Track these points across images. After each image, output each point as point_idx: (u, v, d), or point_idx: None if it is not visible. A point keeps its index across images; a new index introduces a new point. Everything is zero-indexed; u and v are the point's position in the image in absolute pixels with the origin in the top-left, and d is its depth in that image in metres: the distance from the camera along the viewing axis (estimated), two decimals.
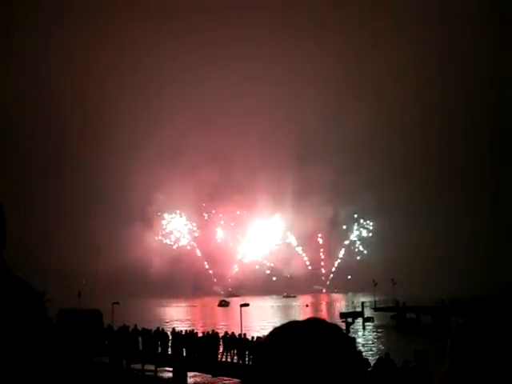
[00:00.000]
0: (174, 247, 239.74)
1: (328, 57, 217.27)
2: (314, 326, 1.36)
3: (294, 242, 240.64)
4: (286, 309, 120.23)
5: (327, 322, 1.38)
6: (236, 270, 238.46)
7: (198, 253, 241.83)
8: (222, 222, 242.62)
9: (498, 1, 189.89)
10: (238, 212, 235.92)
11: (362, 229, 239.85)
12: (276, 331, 1.39)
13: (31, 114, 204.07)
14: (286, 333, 1.36)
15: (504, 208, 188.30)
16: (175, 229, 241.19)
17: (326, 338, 1.34)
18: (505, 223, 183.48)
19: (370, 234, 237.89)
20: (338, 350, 1.32)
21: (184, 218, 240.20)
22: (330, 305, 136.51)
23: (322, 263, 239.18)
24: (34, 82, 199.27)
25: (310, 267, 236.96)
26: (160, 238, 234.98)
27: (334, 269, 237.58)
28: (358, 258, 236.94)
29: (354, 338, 1.44)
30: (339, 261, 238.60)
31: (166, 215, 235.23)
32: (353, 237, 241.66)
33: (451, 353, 1.55)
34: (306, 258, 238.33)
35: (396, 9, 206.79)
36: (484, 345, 1.47)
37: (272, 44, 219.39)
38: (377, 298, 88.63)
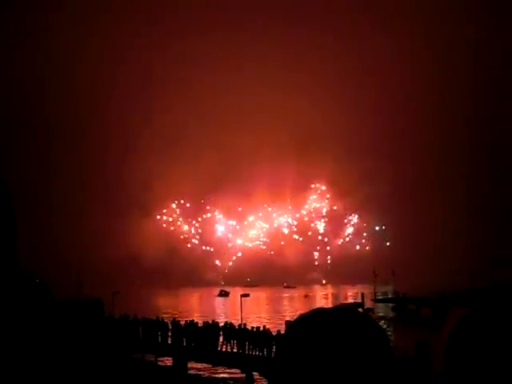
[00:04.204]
0: (173, 236, 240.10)
1: (329, 49, 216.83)
2: (344, 315, 1.26)
3: (293, 233, 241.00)
4: (287, 299, 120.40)
5: (357, 311, 1.29)
6: (234, 259, 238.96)
7: (197, 242, 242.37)
8: (220, 214, 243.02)
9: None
10: (236, 202, 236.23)
11: (361, 220, 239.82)
12: (303, 319, 1.28)
13: (31, 110, 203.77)
14: (314, 321, 1.26)
15: (504, 205, 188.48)
16: (174, 217, 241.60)
17: (357, 327, 1.24)
18: (506, 219, 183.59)
19: (369, 226, 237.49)
20: (370, 339, 1.23)
21: (182, 206, 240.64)
22: (329, 295, 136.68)
23: (321, 254, 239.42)
24: (31, 77, 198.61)
25: (309, 258, 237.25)
26: (158, 226, 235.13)
27: (332, 259, 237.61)
28: (357, 248, 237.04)
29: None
30: (338, 251, 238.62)
31: (164, 203, 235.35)
32: (351, 228, 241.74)
33: (446, 353, 1.52)
34: (310, 251, 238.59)
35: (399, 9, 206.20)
36: (480, 347, 1.45)
37: (272, 35, 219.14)
38: (376, 289, 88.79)
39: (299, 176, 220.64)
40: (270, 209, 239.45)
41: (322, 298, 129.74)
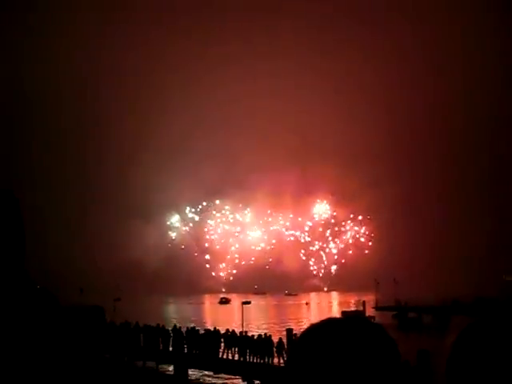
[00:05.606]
0: (173, 244, 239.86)
1: (330, 57, 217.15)
2: (356, 325, 1.26)
3: (294, 240, 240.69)
4: (287, 307, 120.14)
5: (370, 321, 1.30)
6: (236, 267, 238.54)
7: (198, 249, 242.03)
8: (221, 218, 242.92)
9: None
10: (238, 209, 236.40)
11: (361, 227, 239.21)
12: (314, 329, 1.27)
13: (31, 113, 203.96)
14: (325, 331, 1.25)
15: (506, 209, 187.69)
16: (173, 225, 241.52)
17: (369, 337, 1.24)
18: (508, 223, 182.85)
19: (370, 233, 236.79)
20: (381, 350, 1.23)
21: (182, 214, 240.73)
22: (331, 303, 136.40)
23: (323, 262, 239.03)
24: (33, 84, 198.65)
25: (310, 265, 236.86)
26: (158, 234, 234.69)
27: (334, 267, 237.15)
28: (359, 256, 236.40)
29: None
30: (340, 259, 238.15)
31: (164, 212, 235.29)
32: (352, 235, 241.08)
33: (448, 369, 1.50)
34: (311, 258, 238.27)
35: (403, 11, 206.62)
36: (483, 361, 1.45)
37: (274, 43, 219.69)
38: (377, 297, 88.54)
39: (301, 183, 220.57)
40: (270, 219, 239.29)
41: (324, 305, 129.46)
